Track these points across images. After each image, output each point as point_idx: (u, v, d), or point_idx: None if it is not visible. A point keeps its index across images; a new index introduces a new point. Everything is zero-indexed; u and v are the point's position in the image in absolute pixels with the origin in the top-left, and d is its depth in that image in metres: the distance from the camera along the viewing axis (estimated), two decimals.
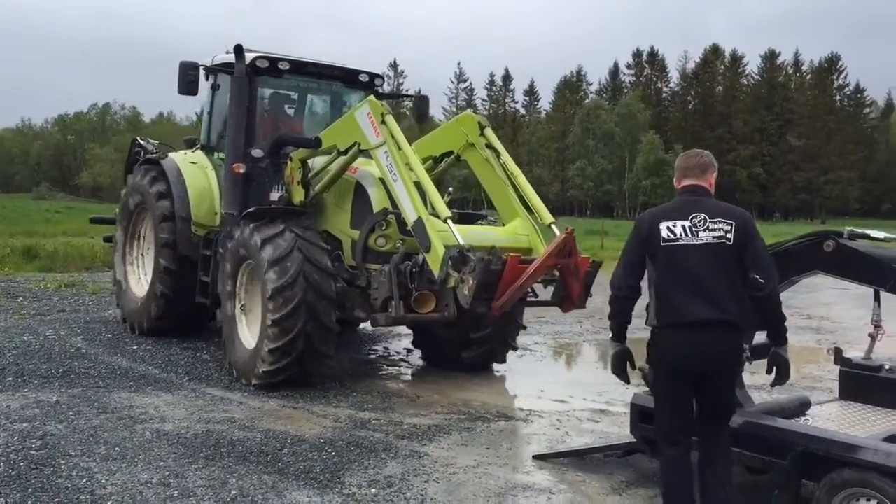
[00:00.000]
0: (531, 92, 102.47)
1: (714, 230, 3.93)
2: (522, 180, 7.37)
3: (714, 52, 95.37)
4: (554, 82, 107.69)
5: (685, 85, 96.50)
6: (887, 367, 5.56)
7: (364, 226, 7.32)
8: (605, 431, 6.50)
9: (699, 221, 3.94)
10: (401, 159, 6.84)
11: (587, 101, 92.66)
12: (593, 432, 6.47)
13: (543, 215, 7.19)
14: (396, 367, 8.83)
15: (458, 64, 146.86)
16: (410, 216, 6.65)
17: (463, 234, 6.44)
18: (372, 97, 7.36)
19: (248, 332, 7.52)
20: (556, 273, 6.60)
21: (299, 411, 6.70)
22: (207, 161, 9.12)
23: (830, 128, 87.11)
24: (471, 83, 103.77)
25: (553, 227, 7.04)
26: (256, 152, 8.25)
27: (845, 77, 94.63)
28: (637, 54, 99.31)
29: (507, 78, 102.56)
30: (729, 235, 3.92)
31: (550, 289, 6.91)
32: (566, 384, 8.00)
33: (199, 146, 9.47)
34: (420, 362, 8.96)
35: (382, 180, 7.32)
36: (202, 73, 8.68)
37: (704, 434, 4.13)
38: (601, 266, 7.01)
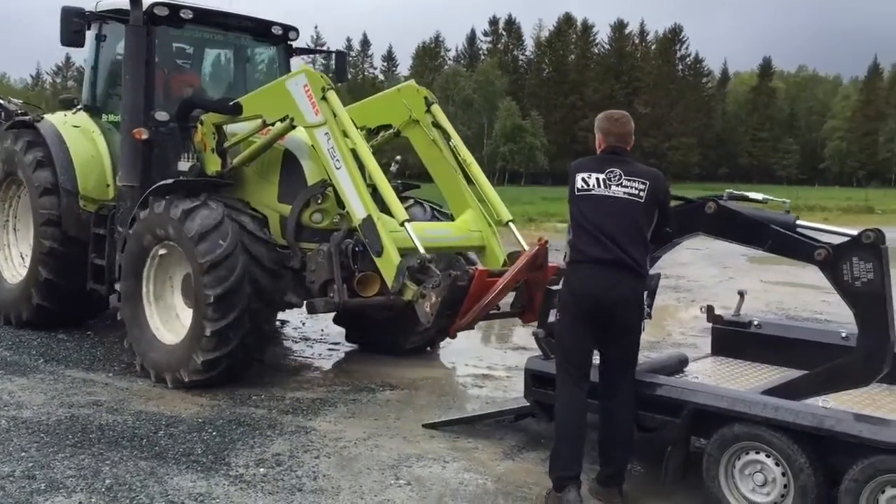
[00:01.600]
0: (389, 58, 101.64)
1: (627, 187, 4.19)
2: (476, 169, 6.68)
3: (567, 21, 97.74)
4: (412, 48, 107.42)
5: (540, 53, 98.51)
6: (756, 322, 5.85)
7: (297, 200, 6.52)
8: (490, 397, 6.51)
9: (614, 176, 4.21)
10: (345, 144, 6.00)
11: (446, 67, 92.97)
12: (479, 398, 6.47)
13: (500, 211, 6.54)
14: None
15: (316, 28, 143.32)
16: (357, 213, 5.82)
17: (417, 234, 5.70)
18: (309, 67, 6.51)
19: (163, 326, 6.62)
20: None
21: (172, 390, 6.31)
22: (94, 125, 7.90)
23: (673, 96, 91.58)
24: (328, 48, 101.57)
25: (511, 225, 6.49)
26: (161, 115, 7.24)
27: (686, 48, 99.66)
28: (493, 21, 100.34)
29: (365, 43, 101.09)
30: (641, 194, 4.19)
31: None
32: (447, 352, 7.95)
33: (80, 107, 8.15)
34: (293, 333, 8.68)
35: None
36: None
37: (607, 385, 4.28)
38: None
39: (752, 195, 4.83)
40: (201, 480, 4.55)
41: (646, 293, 5.14)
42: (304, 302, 6.44)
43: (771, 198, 4.83)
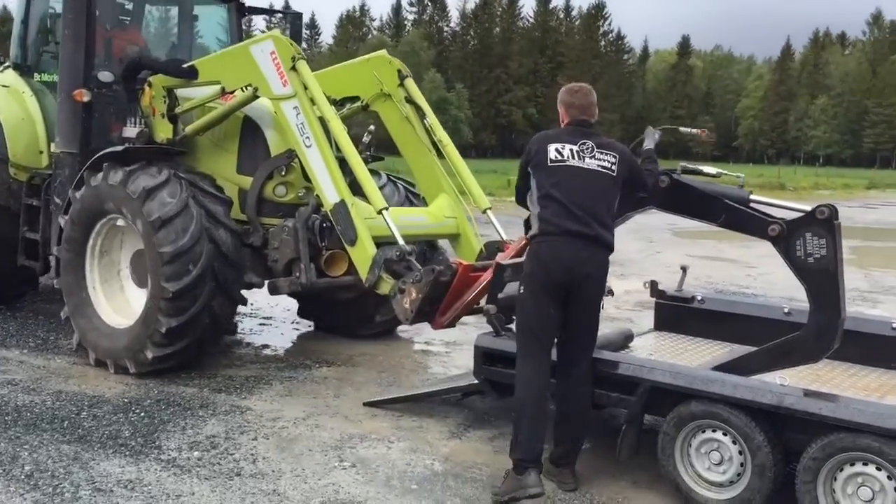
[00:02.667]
0: (312, 26, 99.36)
1: (600, 159, 4.10)
2: (452, 151, 6.12)
3: None
4: (335, 16, 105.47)
5: (465, 25, 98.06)
6: (699, 297, 5.83)
7: (259, 171, 6.04)
8: (430, 373, 6.35)
9: (587, 148, 4.11)
10: (317, 120, 5.44)
11: (370, 37, 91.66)
12: (418, 374, 6.31)
13: (478, 198, 6.05)
14: None
15: None
16: (329, 197, 5.29)
17: (395, 222, 5.24)
18: (277, 32, 5.88)
19: (111, 308, 6.09)
20: None
21: (93, 368, 5.95)
22: (24, 84, 7.23)
23: (596, 72, 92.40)
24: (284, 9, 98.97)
25: (489, 213, 5.97)
26: (105, 76, 6.65)
27: (609, 24, 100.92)
28: None
29: (276, 12, 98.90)
30: (613, 167, 4.11)
31: None
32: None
33: (8, 65, 7.50)
34: None
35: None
36: None
37: (566, 362, 4.16)
38: None
39: (706, 169, 4.76)
40: (130, 466, 4.26)
41: None
42: (266, 282, 6.02)
43: (724, 172, 4.76)
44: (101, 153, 6.02)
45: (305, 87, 5.48)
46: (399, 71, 6.29)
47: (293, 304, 7.83)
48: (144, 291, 5.81)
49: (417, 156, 6.27)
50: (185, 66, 6.24)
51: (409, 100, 6.23)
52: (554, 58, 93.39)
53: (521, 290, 4.12)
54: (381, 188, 6.01)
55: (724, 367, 4.30)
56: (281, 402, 5.39)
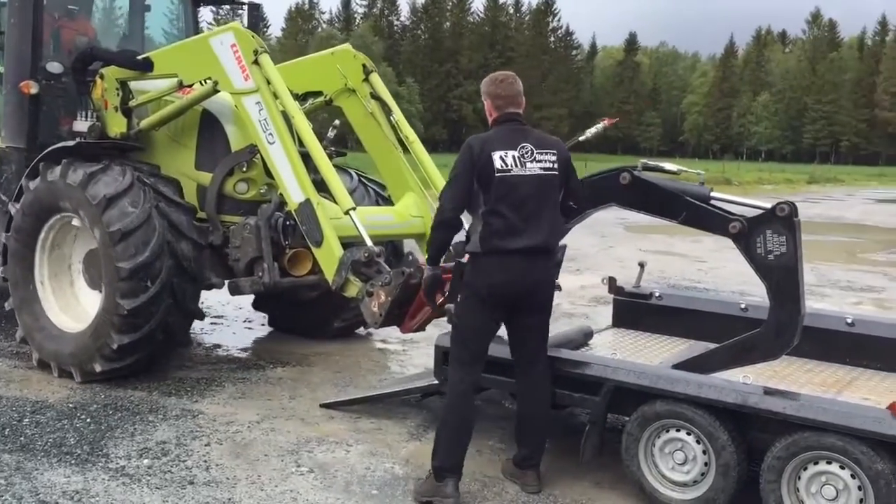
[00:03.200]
0: (261, 18, 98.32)
1: (541, 161, 3.93)
2: (419, 148, 5.90)
3: None
4: (284, 9, 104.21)
5: (415, 19, 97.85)
6: (657, 294, 5.82)
7: (219, 167, 5.81)
8: (387, 372, 6.24)
9: (527, 152, 3.91)
10: (280, 117, 5.20)
11: (319, 30, 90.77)
12: (374, 374, 6.19)
13: None
14: None
15: None
16: (294, 196, 5.05)
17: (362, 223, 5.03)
18: (238, 24, 5.56)
19: (58, 306, 5.84)
20: None
21: (36, 371, 5.71)
22: None
23: (545, 67, 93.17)
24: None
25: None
26: (54, 67, 6.33)
27: (558, 20, 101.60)
28: None
29: (233, 1, 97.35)
30: (555, 166, 3.96)
31: None
32: None
33: None
34: None
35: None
36: None
37: (522, 363, 4.10)
38: None
39: (667, 166, 4.72)
40: (76, 475, 4.07)
41: None
42: (227, 282, 5.79)
43: (685, 169, 4.73)
44: (53, 147, 5.75)
45: (268, 82, 5.26)
46: (364, 65, 6.09)
47: (245, 302, 7.66)
48: (96, 294, 5.58)
49: (383, 153, 6.08)
50: (140, 57, 5.98)
51: (375, 95, 6.04)
52: (504, 53, 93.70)
53: (460, 301, 3.99)
54: (352, 192, 5.87)
55: (685, 365, 4.28)
56: (234, 405, 5.24)
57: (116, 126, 6.02)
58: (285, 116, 5.26)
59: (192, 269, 5.50)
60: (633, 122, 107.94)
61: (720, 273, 11.64)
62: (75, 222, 5.62)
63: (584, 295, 9.38)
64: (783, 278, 4.02)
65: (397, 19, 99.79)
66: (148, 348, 5.45)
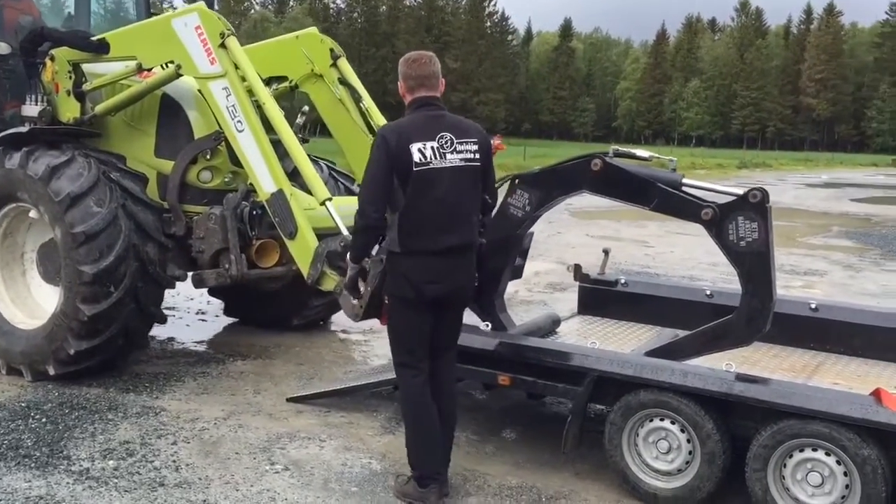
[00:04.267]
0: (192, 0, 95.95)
1: (462, 152, 3.68)
2: None
3: None
4: None
5: (351, 2, 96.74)
6: (623, 280, 5.84)
7: (181, 155, 5.56)
8: (352, 363, 6.12)
9: (446, 143, 3.65)
10: (249, 102, 4.95)
11: (252, 12, 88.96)
12: (339, 364, 6.06)
13: None
14: None
15: None
16: (265, 186, 4.81)
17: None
18: (202, 5, 5.21)
19: (9, 297, 5.55)
20: None
21: None
22: None
23: (482, 52, 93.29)
24: None
25: None
26: (1, 47, 6.02)
27: (494, 5, 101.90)
28: None
29: None
30: (477, 156, 3.73)
31: None
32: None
33: None
34: None
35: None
36: None
37: (439, 360, 3.90)
38: None
39: (639, 152, 4.69)
40: (38, 479, 3.87)
41: (517, 256, 4.97)
42: (190, 274, 5.57)
43: (657, 155, 4.71)
44: (6, 133, 5.44)
45: (236, 66, 5.01)
46: (332, 50, 5.89)
47: (196, 292, 7.41)
48: (51, 288, 5.31)
49: (352, 140, 5.88)
50: (95, 39, 5.65)
51: (343, 81, 5.86)
52: (440, 37, 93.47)
53: (388, 304, 3.83)
54: (324, 183, 5.60)
55: (657, 353, 4.28)
56: (197, 401, 5.05)
57: (69, 111, 5.70)
58: (256, 104, 5.06)
59: (156, 274, 5.30)
60: (568, 107, 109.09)
61: (668, 258, 11.79)
62: (33, 214, 5.33)
63: (539, 282, 9.38)
64: (755, 265, 4.03)
65: (333, 2, 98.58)
66: (106, 352, 5.24)
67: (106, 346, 5.19)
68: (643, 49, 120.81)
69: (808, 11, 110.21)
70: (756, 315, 4.07)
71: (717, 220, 4.09)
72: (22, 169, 5.18)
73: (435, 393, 3.86)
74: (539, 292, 8.92)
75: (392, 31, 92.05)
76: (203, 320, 7.19)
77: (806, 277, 10.46)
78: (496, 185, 4.14)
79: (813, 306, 5.13)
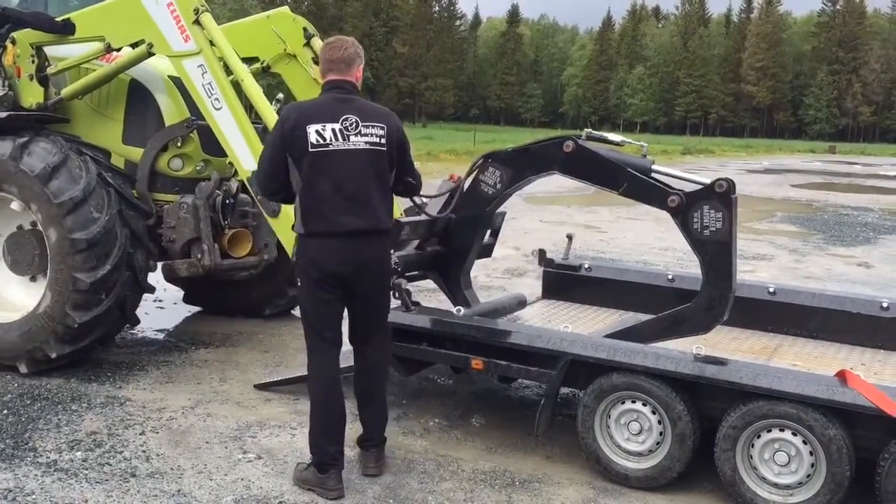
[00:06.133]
0: None
1: (367, 135, 3.67)
2: None
3: None
4: None
5: None
6: (587, 266, 5.92)
7: (151, 142, 5.45)
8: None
9: (350, 125, 3.64)
10: (226, 79, 4.89)
11: None
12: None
13: None
14: None
15: None
16: (245, 164, 4.75)
17: None
18: None
19: None
20: None
21: None
22: None
23: (430, 37, 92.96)
24: None
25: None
26: None
27: None
28: None
29: None
30: (383, 140, 3.71)
31: None
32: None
33: None
34: None
35: (176, 81, 5.34)
36: None
37: (357, 340, 3.95)
38: None
39: (611, 136, 4.73)
40: (5, 472, 3.78)
41: (488, 235, 4.99)
42: (161, 264, 5.47)
43: (628, 140, 4.77)
44: None
45: (212, 44, 4.93)
46: (305, 29, 5.80)
47: (153, 279, 7.28)
48: (21, 281, 5.19)
49: None
50: (59, 19, 5.47)
51: (318, 60, 5.80)
52: (388, 22, 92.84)
53: (299, 284, 3.83)
54: None
55: (618, 336, 4.36)
56: (162, 391, 4.98)
57: (31, 96, 5.52)
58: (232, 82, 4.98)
59: (143, 281, 5.25)
60: (515, 93, 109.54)
61: (620, 243, 11.97)
62: (14, 206, 5.14)
63: (498, 267, 9.44)
64: (717, 254, 4.13)
65: None
66: (83, 355, 5.20)
67: (85, 349, 5.15)
68: (589, 36, 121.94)
69: (749, 0, 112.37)
70: (715, 303, 4.16)
71: (683, 208, 4.17)
72: (14, 161, 4.96)
73: (362, 375, 3.95)
74: (498, 278, 8.99)
75: (340, 14, 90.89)
76: (161, 308, 7.06)
77: (753, 262, 10.72)
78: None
79: (771, 290, 5.28)
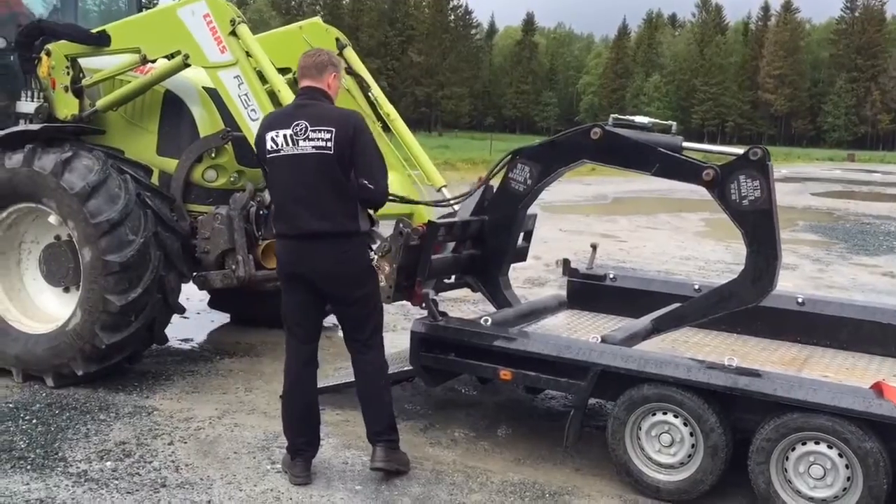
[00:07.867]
0: None
1: (314, 139, 3.70)
2: (401, 125, 5.70)
3: None
4: None
5: None
6: (611, 276, 5.89)
7: (186, 153, 5.47)
8: (342, 358, 6.07)
9: (300, 130, 3.72)
10: (263, 90, 4.94)
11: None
12: (326, 361, 5.99)
13: (431, 175, 5.63)
14: None
15: None
16: None
17: None
18: None
19: (16, 310, 5.37)
20: None
21: None
22: None
23: (446, 46, 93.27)
24: None
25: (444, 191, 5.45)
26: None
27: None
28: None
29: None
30: (329, 144, 3.70)
31: None
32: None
33: None
34: None
35: (210, 92, 5.36)
36: None
37: (348, 347, 4.04)
38: None
39: (638, 119, 4.66)
40: (36, 482, 3.79)
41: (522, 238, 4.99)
42: (194, 275, 5.49)
43: (656, 121, 4.66)
44: (13, 130, 5.28)
45: (248, 55, 4.97)
46: (337, 39, 5.79)
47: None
48: (54, 292, 5.26)
49: None
50: (95, 31, 5.49)
51: (350, 71, 5.75)
52: (404, 31, 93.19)
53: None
54: None
55: (664, 319, 4.33)
56: (189, 400, 4.99)
57: (67, 107, 5.53)
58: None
59: (174, 303, 5.32)
60: (530, 101, 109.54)
61: (641, 253, 11.92)
62: (52, 220, 5.14)
63: (519, 277, 9.40)
64: (759, 223, 4.07)
65: None
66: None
67: (112, 368, 5.17)
68: (605, 44, 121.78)
69: (766, 8, 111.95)
70: (762, 274, 4.12)
71: (719, 181, 4.11)
72: (55, 177, 4.96)
73: (358, 380, 4.09)
74: (518, 287, 8.88)
75: (355, 24, 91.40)
76: (185, 317, 7.06)
77: None
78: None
79: (800, 300, 5.22)
